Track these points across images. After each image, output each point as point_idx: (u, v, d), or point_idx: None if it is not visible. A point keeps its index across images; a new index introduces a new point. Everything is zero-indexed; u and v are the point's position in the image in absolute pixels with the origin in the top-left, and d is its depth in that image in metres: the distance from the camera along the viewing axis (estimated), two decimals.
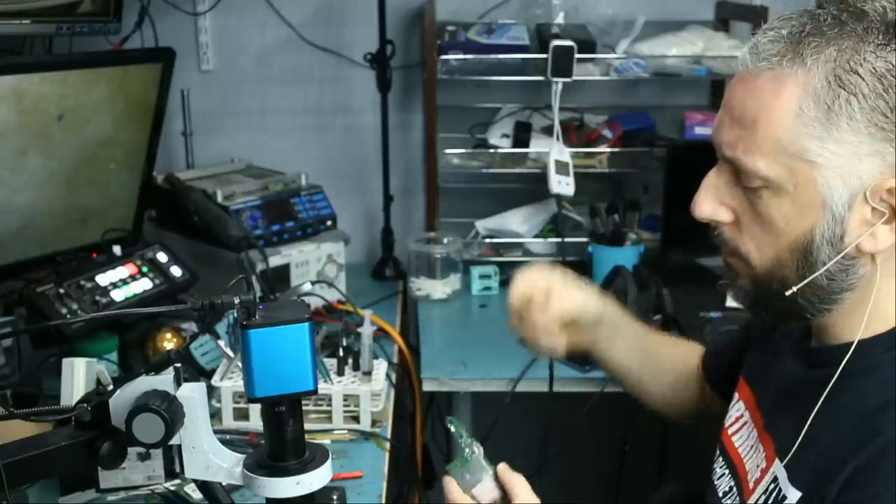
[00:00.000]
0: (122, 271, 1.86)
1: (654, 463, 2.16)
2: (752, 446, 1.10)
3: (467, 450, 1.13)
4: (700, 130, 2.35)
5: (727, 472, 1.14)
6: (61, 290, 1.75)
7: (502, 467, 1.13)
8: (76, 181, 1.94)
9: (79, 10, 1.89)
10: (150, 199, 2.14)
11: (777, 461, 1.00)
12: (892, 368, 0.93)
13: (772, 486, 1.00)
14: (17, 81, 1.73)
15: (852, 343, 0.96)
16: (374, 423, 1.61)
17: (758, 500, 1.02)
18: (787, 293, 0.96)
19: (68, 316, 1.70)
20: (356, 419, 1.61)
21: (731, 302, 1.93)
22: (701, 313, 1.98)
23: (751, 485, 1.06)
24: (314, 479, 0.95)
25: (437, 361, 1.95)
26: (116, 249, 1.90)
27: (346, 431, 1.60)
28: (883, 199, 0.90)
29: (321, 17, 2.44)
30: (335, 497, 1.37)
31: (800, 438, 0.96)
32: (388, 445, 1.59)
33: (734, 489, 1.11)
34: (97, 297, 1.78)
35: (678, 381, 1.40)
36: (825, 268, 0.93)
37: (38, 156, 1.84)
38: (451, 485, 1.12)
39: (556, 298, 1.31)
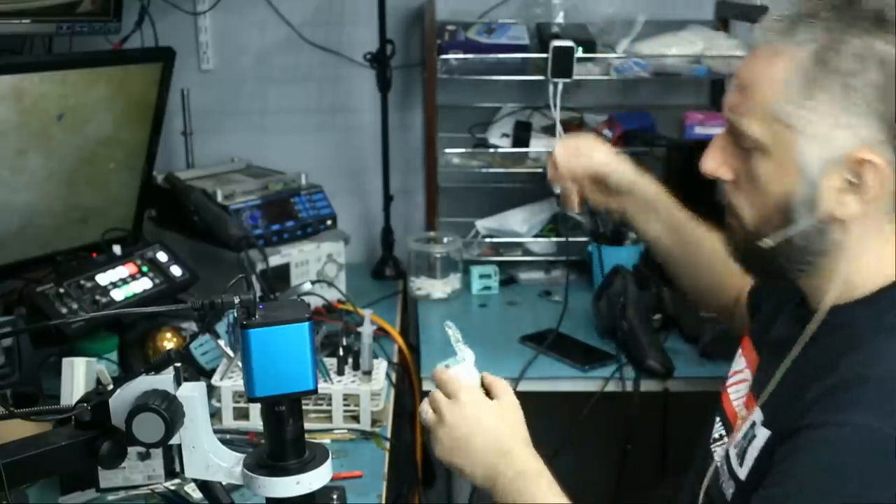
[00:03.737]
0: (122, 271, 1.86)
1: (654, 463, 2.16)
2: (744, 402, 1.18)
3: (460, 354, 1.18)
4: (700, 130, 2.34)
5: (720, 423, 1.22)
6: (61, 290, 1.75)
7: (487, 374, 1.24)
8: (76, 181, 1.94)
9: (79, 10, 1.89)
10: (150, 199, 2.14)
11: (757, 408, 1.09)
12: (861, 326, 1.02)
13: (749, 429, 1.09)
14: (17, 81, 1.73)
15: (834, 306, 1.05)
16: (374, 422, 1.61)
17: (737, 442, 1.10)
18: (763, 246, 1.06)
19: (68, 316, 1.70)
20: (356, 419, 1.61)
21: None
22: (701, 313, 1.98)
23: (736, 432, 1.15)
24: (314, 479, 0.96)
25: (437, 361, 1.94)
26: (116, 249, 1.90)
27: (346, 431, 1.60)
28: (852, 170, 0.99)
29: (321, 17, 2.44)
30: (335, 497, 1.37)
31: (772, 385, 1.06)
32: (388, 445, 1.59)
33: (724, 437, 1.19)
34: (97, 297, 1.78)
35: (713, 268, 1.45)
36: (799, 229, 1.03)
37: (38, 156, 1.84)
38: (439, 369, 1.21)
39: (587, 149, 1.48)
